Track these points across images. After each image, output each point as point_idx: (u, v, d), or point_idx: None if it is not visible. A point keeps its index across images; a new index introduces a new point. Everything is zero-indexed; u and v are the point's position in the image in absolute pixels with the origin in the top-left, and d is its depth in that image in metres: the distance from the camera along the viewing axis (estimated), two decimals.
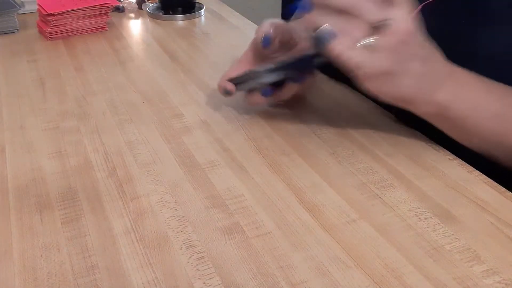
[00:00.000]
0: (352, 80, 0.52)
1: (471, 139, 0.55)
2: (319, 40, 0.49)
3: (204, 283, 0.40)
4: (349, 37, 0.48)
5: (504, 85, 0.54)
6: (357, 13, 0.48)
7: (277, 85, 0.62)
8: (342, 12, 0.48)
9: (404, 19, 0.48)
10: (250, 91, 0.63)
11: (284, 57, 0.62)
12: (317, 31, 0.48)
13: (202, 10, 1.08)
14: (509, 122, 0.53)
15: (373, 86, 0.51)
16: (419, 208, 0.48)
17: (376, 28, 0.48)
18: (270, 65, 0.60)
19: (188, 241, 0.45)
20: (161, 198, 0.50)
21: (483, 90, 0.53)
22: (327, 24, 0.48)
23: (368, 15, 0.48)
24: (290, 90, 0.63)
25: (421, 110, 0.54)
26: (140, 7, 1.10)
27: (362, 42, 0.48)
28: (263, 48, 0.62)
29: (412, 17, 0.49)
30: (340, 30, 0.48)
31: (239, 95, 0.65)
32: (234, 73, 0.63)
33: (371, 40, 0.48)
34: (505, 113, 0.53)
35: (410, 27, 0.48)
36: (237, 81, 0.62)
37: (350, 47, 0.49)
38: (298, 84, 0.63)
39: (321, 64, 0.58)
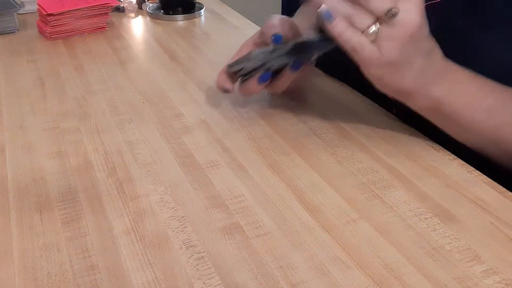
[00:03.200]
0: (355, 72, 0.52)
1: (465, 133, 0.55)
2: (322, 16, 0.49)
3: (204, 283, 0.40)
4: (353, 18, 0.49)
5: (496, 82, 0.55)
6: (363, 2, 0.48)
7: (274, 74, 0.61)
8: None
9: (412, 11, 0.48)
10: (244, 80, 0.61)
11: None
12: (321, 7, 0.49)
13: (202, 10, 1.08)
14: (501, 116, 0.54)
15: (373, 74, 0.52)
16: (419, 208, 0.48)
17: (383, 18, 0.48)
18: (269, 48, 0.59)
19: (188, 241, 0.45)
20: (161, 198, 0.50)
21: (476, 86, 0.54)
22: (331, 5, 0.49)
23: (372, 4, 0.48)
24: (286, 79, 0.61)
25: (417, 103, 0.54)
26: (140, 7, 1.10)
27: (368, 30, 0.49)
28: (273, 45, 0.61)
29: (420, 9, 0.49)
30: (346, 14, 0.49)
31: (238, 94, 0.65)
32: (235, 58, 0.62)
33: (376, 28, 0.48)
34: (497, 107, 0.54)
35: (417, 21, 0.48)
36: (236, 66, 0.61)
37: (352, 29, 0.49)
38: (295, 72, 0.61)
39: (321, 51, 0.57)
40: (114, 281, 0.41)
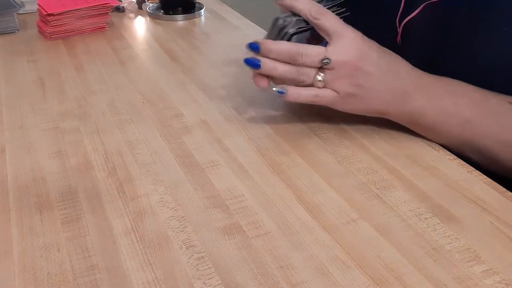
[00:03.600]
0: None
1: (445, 141, 0.58)
2: (276, 94, 0.56)
3: (204, 283, 0.40)
4: (298, 80, 0.55)
5: (477, 88, 0.56)
6: (299, 62, 0.54)
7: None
8: (290, 62, 0.55)
9: (343, 52, 0.54)
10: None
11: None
12: (274, 89, 0.56)
13: (202, 10, 1.08)
14: (478, 128, 0.55)
15: (343, 108, 0.57)
16: (419, 208, 0.48)
17: (320, 68, 0.54)
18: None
19: (188, 241, 0.45)
20: (161, 198, 0.50)
21: (451, 98, 0.56)
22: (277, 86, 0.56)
23: (307, 61, 0.54)
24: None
25: (396, 119, 0.58)
26: (140, 7, 1.10)
27: (315, 80, 0.55)
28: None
29: (351, 45, 0.54)
30: (291, 78, 0.55)
31: (239, 94, 0.65)
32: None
33: (320, 77, 0.54)
34: (474, 120, 0.55)
35: (353, 55, 0.54)
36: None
37: (302, 88, 0.55)
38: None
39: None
40: (114, 281, 0.41)
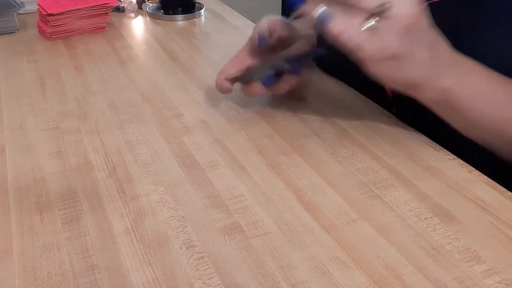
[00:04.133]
0: (355, 72, 0.52)
1: (472, 126, 0.55)
2: (320, 20, 0.48)
3: (204, 283, 0.40)
4: (349, 18, 0.48)
5: (505, 76, 0.55)
6: (354, 1, 0.48)
7: (277, 76, 0.62)
8: (340, 2, 0.48)
9: (406, 3, 0.48)
10: (248, 82, 0.62)
11: (281, 54, 0.62)
12: (318, 10, 0.48)
13: (202, 10, 1.08)
14: (509, 109, 0.53)
15: (377, 70, 0.51)
16: (419, 208, 0.48)
17: (377, 13, 0.47)
18: (269, 63, 0.60)
19: (188, 241, 0.45)
20: (161, 198, 0.50)
21: (485, 78, 0.54)
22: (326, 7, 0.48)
23: (366, 1, 0.47)
24: (288, 83, 0.63)
25: (425, 95, 0.54)
26: (140, 7, 1.10)
27: (364, 26, 0.48)
28: (258, 48, 0.62)
29: (415, 0, 0.48)
30: (341, 14, 0.48)
31: (239, 94, 0.65)
32: (232, 70, 0.63)
33: (373, 22, 0.47)
34: (507, 101, 0.53)
35: (413, 11, 0.48)
36: (235, 79, 0.62)
37: (351, 27, 0.48)
38: (296, 76, 0.63)
39: (321, 56, 0.58)
40: (114, 281, 0.41)
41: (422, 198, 0.50)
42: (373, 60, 0.50)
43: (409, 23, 0.48)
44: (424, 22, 0.50)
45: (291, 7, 0.52)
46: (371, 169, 0.54)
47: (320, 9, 0.48)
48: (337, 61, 0.60)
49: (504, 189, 0.51)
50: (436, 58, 0.52)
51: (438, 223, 0.46)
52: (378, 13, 0.47)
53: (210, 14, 1.09)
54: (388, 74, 0.51)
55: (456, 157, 0.56)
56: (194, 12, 1.07)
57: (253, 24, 0.99)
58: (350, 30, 0.48)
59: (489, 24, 0.58)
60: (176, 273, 0.41)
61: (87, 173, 0.54)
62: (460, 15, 0.60)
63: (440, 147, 0.58)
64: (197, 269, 0.42)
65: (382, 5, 0.47)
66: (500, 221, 0.47)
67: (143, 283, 0.40)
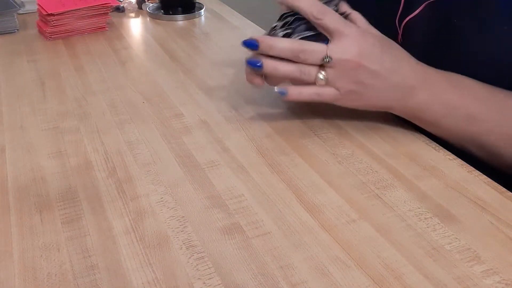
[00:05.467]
0: None
1: (447, 136, 0.58)
2: (279, 94, 0.57)
3: (204, 283, 0.40)
4: (301, 79, 0.55)
5: (485, 86, 0.55)
6: (301, 60, 0.54)
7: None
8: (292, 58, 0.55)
9: (345, 50, 0.54)
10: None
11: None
12: (276, 89, 0.57)
13: (202, 10, 1.08)
14: (483, 124, 0.55)
15: (345, 104, 0.57)
16: (419, 208, 0.48)
17: (322, 67, 0.55)
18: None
19: (188, 241, 0.45)
20: (161, 198, 0.50)
21: (456, 92, 0.56)
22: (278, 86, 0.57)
23: (309, 59, 0.54)
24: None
25: (399, 113, 0.58)
26: (140, 7, 1.10)
27: (316, 79, 0.55)
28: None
29: (352, 44, 0.54)
30: (292, 78, 0.56)
31: (239, 94, 0.65)
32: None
33: (321, 76, 0.55)
34: (479, 115, 0.55)
35: (353, 53, 0.54)
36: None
37: (305, 87, 0.56)
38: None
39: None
40: (114, 281, 0.41)
41: (422, 198, 0.50)
42: (337, 101, 0.57)
43: (354, 63, 0.54)
44: (374, 54, 0.54)
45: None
46: (371, 169, 0.54)
47: (276, 88, 0.57)
48: None
49: (504, 189, 0.51)
50: (402, 80, 0.55)
51: (438, 223, 0.46)
52: (323, 66, 0.55)
53: (210, 14, 1.09)
54: (356, 105, 0.58)
55: (456, 157, 0.56)
56: (194, 12, 1.07)
57: (253, 24, 1.00)
58: (305, 89, 0.56)
59: (486, 23, 0.58)
60: (176, 273, 0.41)
61: (87, 173, 0.54)
62: (458, 14, 0.60)
63: (440, 147, 0.58)
64: (197, 269, 0.42)
65: (323, 58, 0.54)
66: (500, 221, 0.47)
67: (143, 283, 0.40)
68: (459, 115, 0.55)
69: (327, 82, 0.55)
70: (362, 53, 0.54)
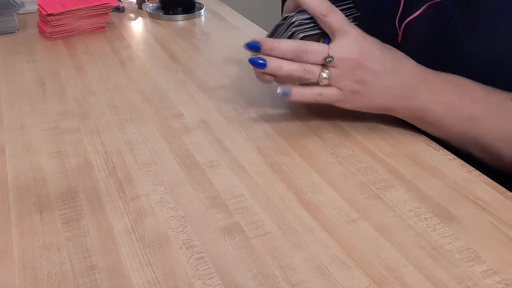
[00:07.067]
0: None
1: (447, 137, 0.58)
2: (282, 95, 0.57)
3: (204, 283, 0.40)
4: (304, 78, 0.55)
5: (482, 85, 0.56)
6: (303, 60, 0.55)
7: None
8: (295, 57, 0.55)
9: (345, 49, 0.54)
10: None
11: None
12: (277, 90, 0.57)
13: (202, 10, 1.08)
14: (482, 125, 0.55)
15: (346, 105, 0.57)
16: (419, 208, 0.48)
17: (324, 66, 0.55)
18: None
19: (188, 241, 0.45)
20: (161, 198, 0.50)
21: (456, 94, 0.56)
22: (281, 86, 0.57)
23: (311, 59, 0.54)
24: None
25: (400, 115, 0.58)
26: (140, 7, 1.10)
27: (319, 79, 0.55)
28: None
29: (353, 42, 0.54)
30: (297, 77, 0.56)
31: (238, 94, 0.65)
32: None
33: (324, 74, 0.55)
34: (479, 116, 0.55)
35: (354, 51, 0.54)
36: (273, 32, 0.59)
37: (307, 88, 0.56)
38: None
39: None
40: (114, 281, 0.41)
41: (422, 198, 0.50)
42: (339, 102, 0.57)
43: (355, 62, 0.54)
44: (375, 54, 0.55)
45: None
46: (371, 169, 0.54)
47: (279, 90, 0.57)
48: None
49: (504, 189, 0.51)
50: (402, 81, 0.56)
51: (438, 223, 0.46)
52: (325, 65, 0.55)
53: (210, 14, 1.09)
54: (357, 106, 0.58)
55: (456, 157, 0.56)
56: (194, 12, 1.07)
57: (253, 24, 1.00)
58: (307, 89, 0.56)
59: (486, 24, 0.58)
60: (176, 273, 0.41)
61: (87, 173, 0.54)
62: (457, 15, 0.60)
63: (440, 147, 0.58)
64: (197, 269, 0.42)
65: (325, 58, 0.54)
66: (500, 221, 0.47)
67: (143, 283, 0.40)
68: (459, 116, 0.55)
69: (331, 82, 0.55)
70: (362, 52, 0.54)
